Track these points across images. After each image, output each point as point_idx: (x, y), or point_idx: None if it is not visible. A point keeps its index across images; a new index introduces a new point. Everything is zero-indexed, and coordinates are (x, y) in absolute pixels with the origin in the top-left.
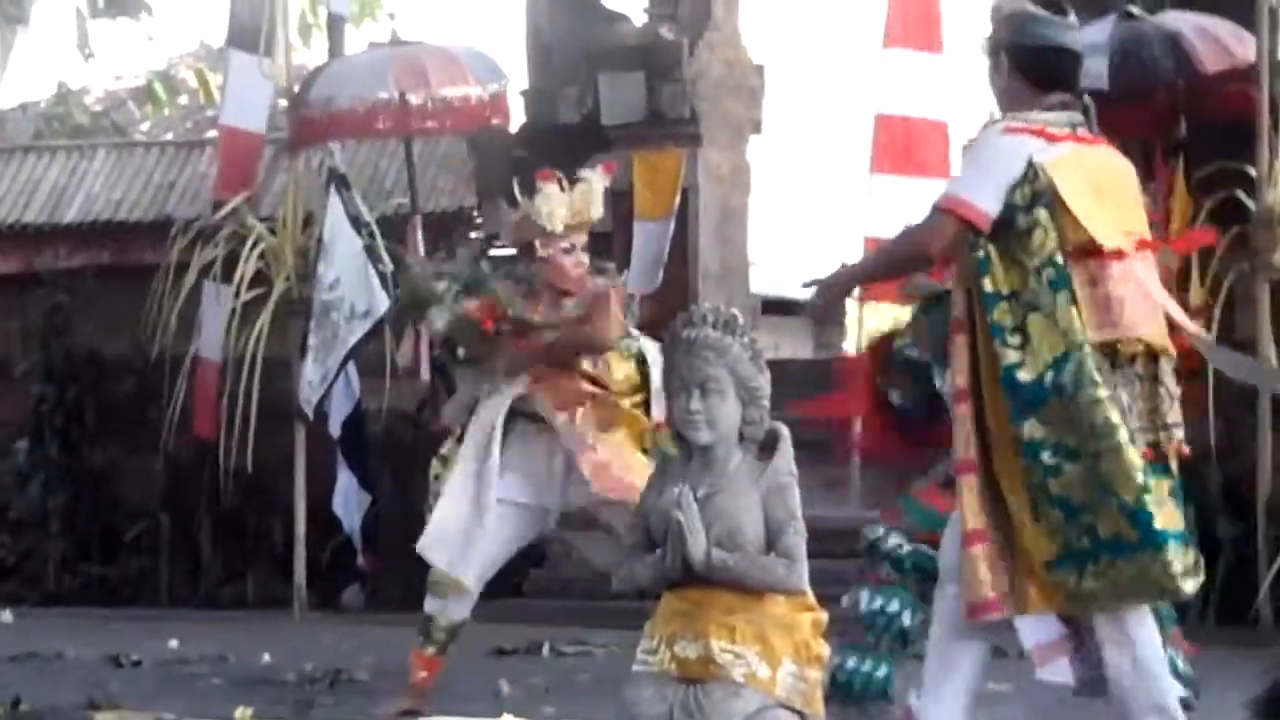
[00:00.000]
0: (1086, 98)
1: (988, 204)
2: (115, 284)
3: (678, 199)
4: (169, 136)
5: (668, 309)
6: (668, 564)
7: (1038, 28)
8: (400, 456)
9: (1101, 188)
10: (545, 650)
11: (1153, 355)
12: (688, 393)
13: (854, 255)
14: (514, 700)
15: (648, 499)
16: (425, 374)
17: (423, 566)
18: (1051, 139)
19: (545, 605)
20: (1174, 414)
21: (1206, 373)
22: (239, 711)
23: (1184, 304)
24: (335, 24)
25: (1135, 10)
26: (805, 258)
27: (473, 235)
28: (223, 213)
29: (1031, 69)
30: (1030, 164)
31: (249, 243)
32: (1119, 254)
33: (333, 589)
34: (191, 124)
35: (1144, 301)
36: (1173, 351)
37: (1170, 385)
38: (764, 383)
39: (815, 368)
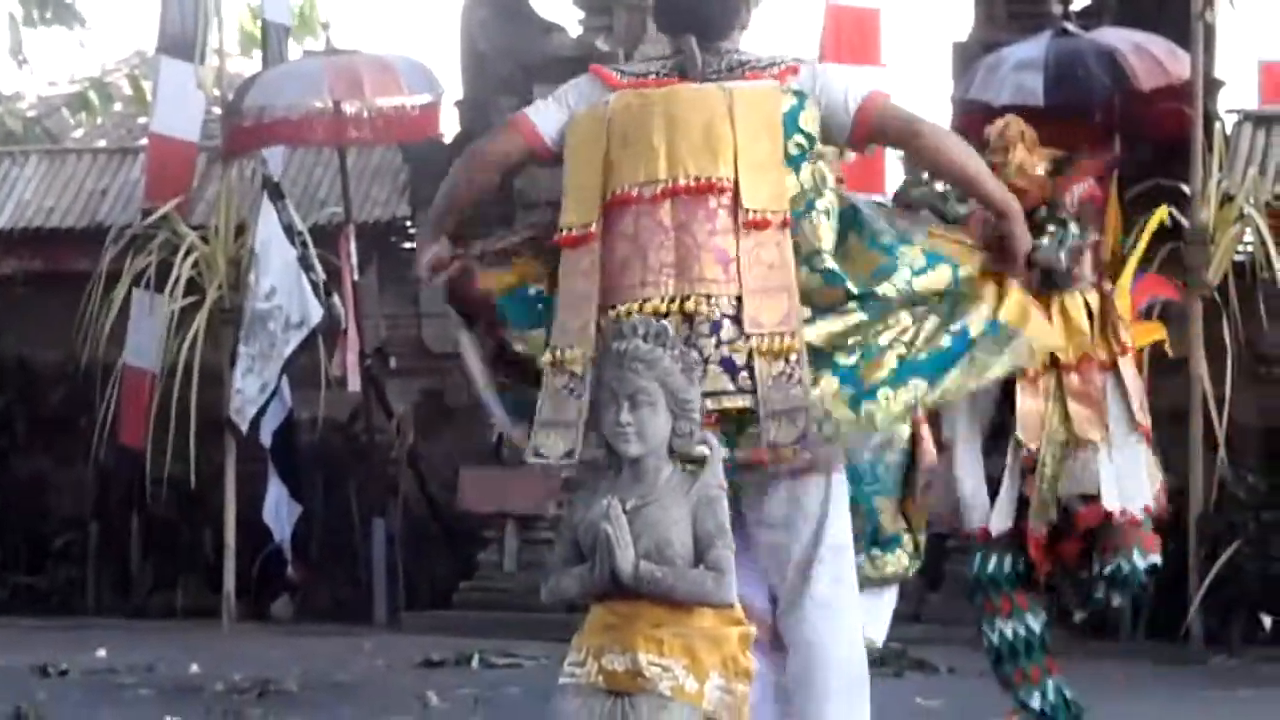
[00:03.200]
0: (691, 40)
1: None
2: (46, 291)
3: None
4: (102, 143)
5: None
6: (596, 576)
7: None
8: (332, 467)
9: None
10: (475, 662)
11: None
12: (618, 405)
13: None
14: (443, 712)
15: (576, 511)
16: (356, 384)
17: (351, 578)
18: (609, 83)
19: (475, 617)
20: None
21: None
22: None
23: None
24: (274, 32)
25: (1071, 27)
26: None
27: (405, 245)
28: (153, 219)
29: (662, 12)
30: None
31: (181, 251)
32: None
33: (262, 599)
34: (125, 131)
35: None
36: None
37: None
38: (695, 395)
39: None
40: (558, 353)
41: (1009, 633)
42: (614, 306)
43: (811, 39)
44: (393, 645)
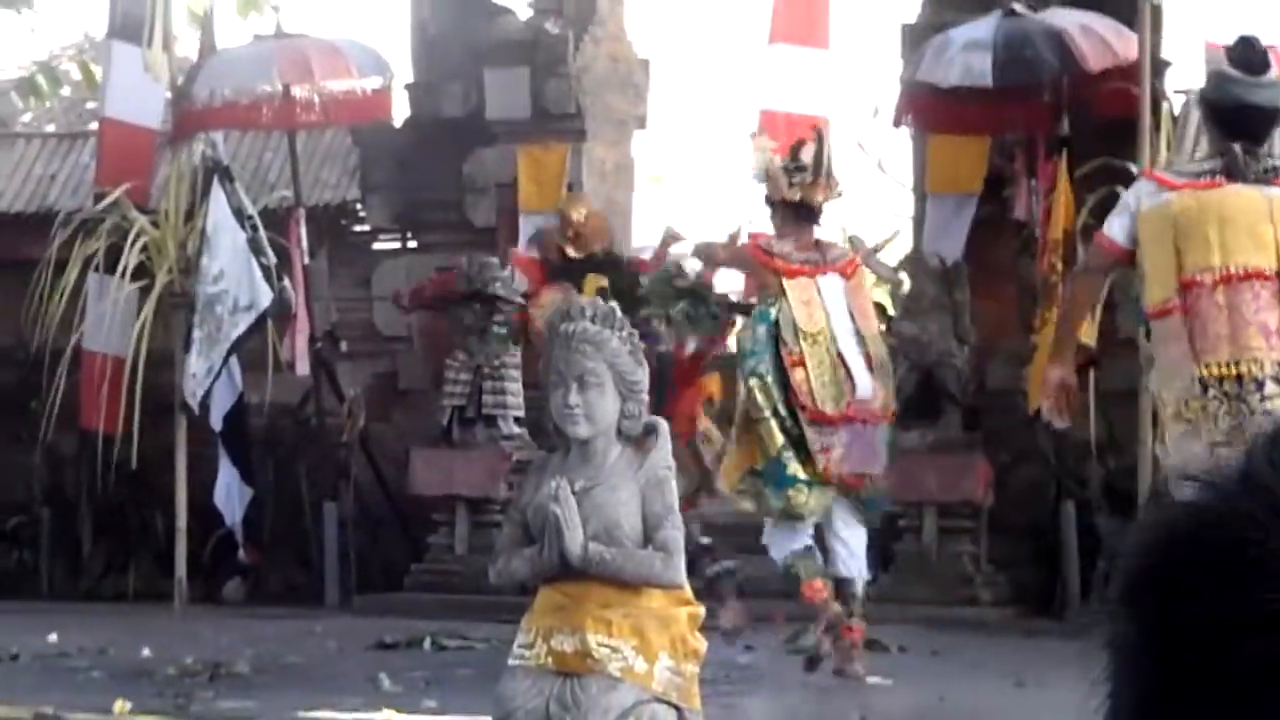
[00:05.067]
0: (1236, 146)
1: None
2: None
3: (563, 193)
4: (51, 128)
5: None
6: (545, 558)
7: (1228, 86)
8: (283, 450)
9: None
10: (426, 644)
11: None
12: (566, 386)
13: None
14: (395, 693)
15: (525, 493)
16: (304, 369)
17: (303, 561)
18: (1167, 185)
19: (425, 599)
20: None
21: (1088, 372)
22: (118, 704)
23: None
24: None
25: (1019, 8)
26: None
27: (356, 229)
28: (103, 205)
29: (1218, 122)
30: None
31: (131, 236)
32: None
33: (214, 582)
34: (75, 116)
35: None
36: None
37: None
38: (643, 376)
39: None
40: (1181, 406)
41: None
42: (1196, 366)
43: (761, 21)
44: (344, 628)
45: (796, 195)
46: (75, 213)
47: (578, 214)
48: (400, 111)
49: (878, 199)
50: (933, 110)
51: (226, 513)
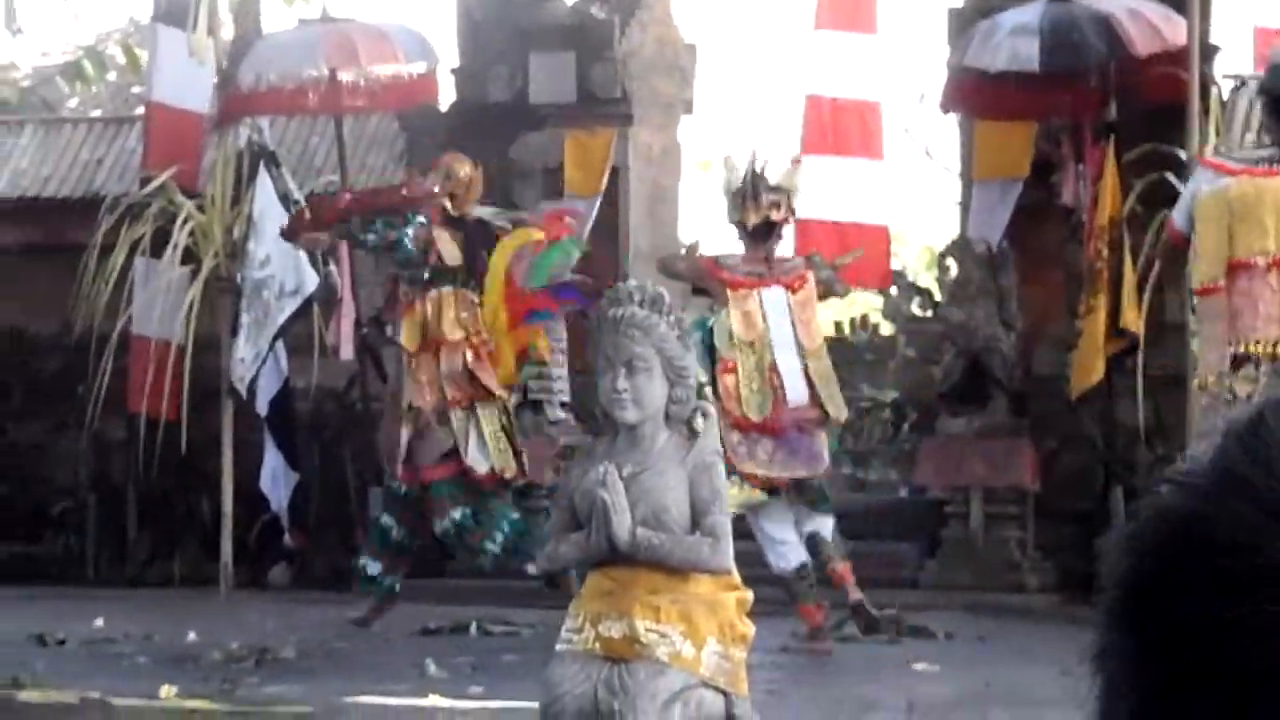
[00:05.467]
0: None
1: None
2: (42, 261)
3: (606, 178)
4: (97, 113)
5: (597, 288)
6: (593, 543)
7: None
8: (328, 435)
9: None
10: (471, 630)
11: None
12: (614, 371)
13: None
14: (440, 679)
15: (574, 478)
16: (349, 353)
17: (348, 546)
18: (1225, 170)
19: (470, 585)
20: None
21: (1134, 356)
22: (164, 690)
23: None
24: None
25: None
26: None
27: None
28: (150, 189)
29: (1277, 112)
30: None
31: (178, 220)
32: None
33: (260, 567)
34: (121, 100)
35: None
36: None
37: None
38: (691, 362)
39: None
40: (1207, 379)
41: None
42: (1230, 344)
43: (808, 6)
44: (390, 614)
45: (751, 218)
46: (122, 197)
47: (463, 171)
48: (446, 96)
49: (924, 184)
50: (979, 95)
51: (272, 498)
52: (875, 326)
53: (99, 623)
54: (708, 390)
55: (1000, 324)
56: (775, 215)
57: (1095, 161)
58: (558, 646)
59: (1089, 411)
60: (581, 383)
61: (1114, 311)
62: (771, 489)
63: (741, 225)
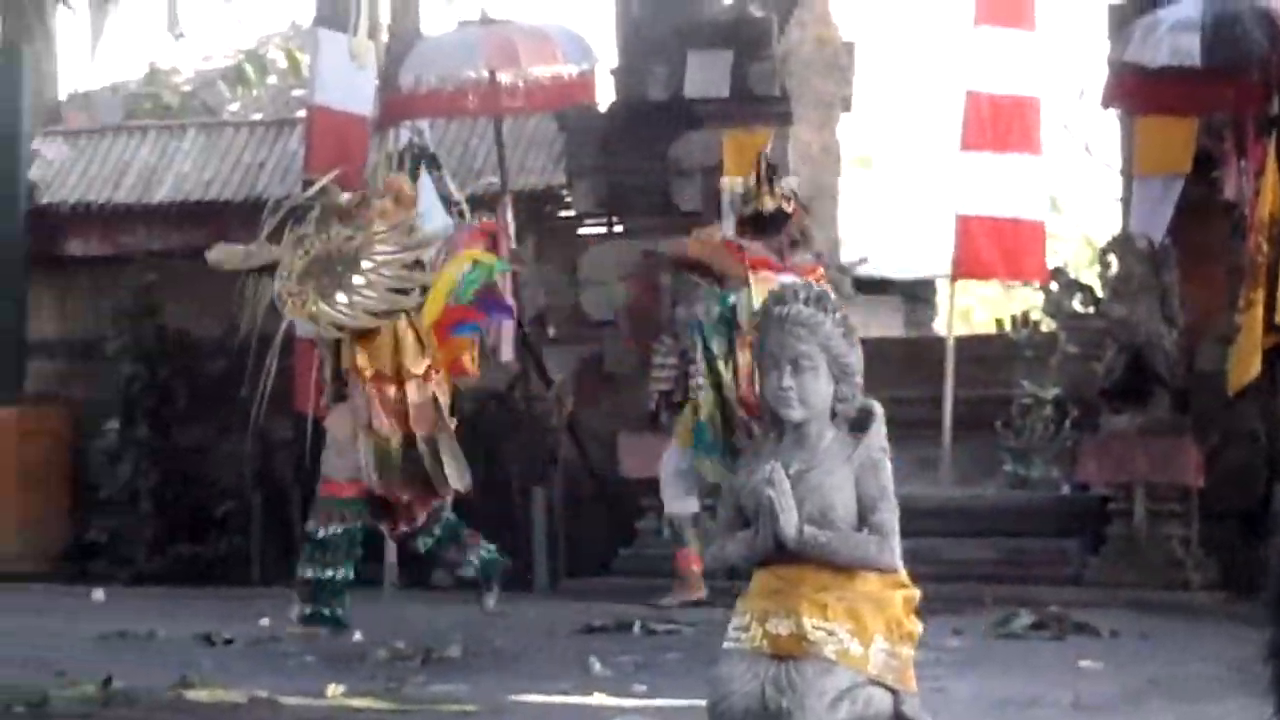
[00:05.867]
0: None
1: None
2: (206, 265)
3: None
4: (258, 116)
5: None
6: (760, 541)
7: None
8: (491, 436)
9: None
10: (635, 628)
11: None
12: (779, 369)
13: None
14: (605, 677)
15: (740, 476)
16: (510, 354)
17: (512, 545)
18: None
19: (634, 583)
20: None
21: None
22: (330, 689)
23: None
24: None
25: None
26: (896, 235)
27: (562, 214)
28: (312, 191)
29: None
30: None
31: None
32: None
33: (423, 567)
34: (282, 103)
35: None
36: None
37: None
38: (856, 359)
39: (906, 346)
40: None
41: None
42: None
43: (966, 3)
44: (553, 612)
45: (750, 210)
46: (284, 199)
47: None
48: (605, 96)
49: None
50: (1140, 91)
51: None
52: (1036, 323)
53: (264, 622)
54: (722, 365)
55: (1163, 320)
56: (787, 206)
57: (1257, 156)
58: (724, 644)
59: (1251, 407)
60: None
61: (1272, 306)
62: None
63: (755, 216)
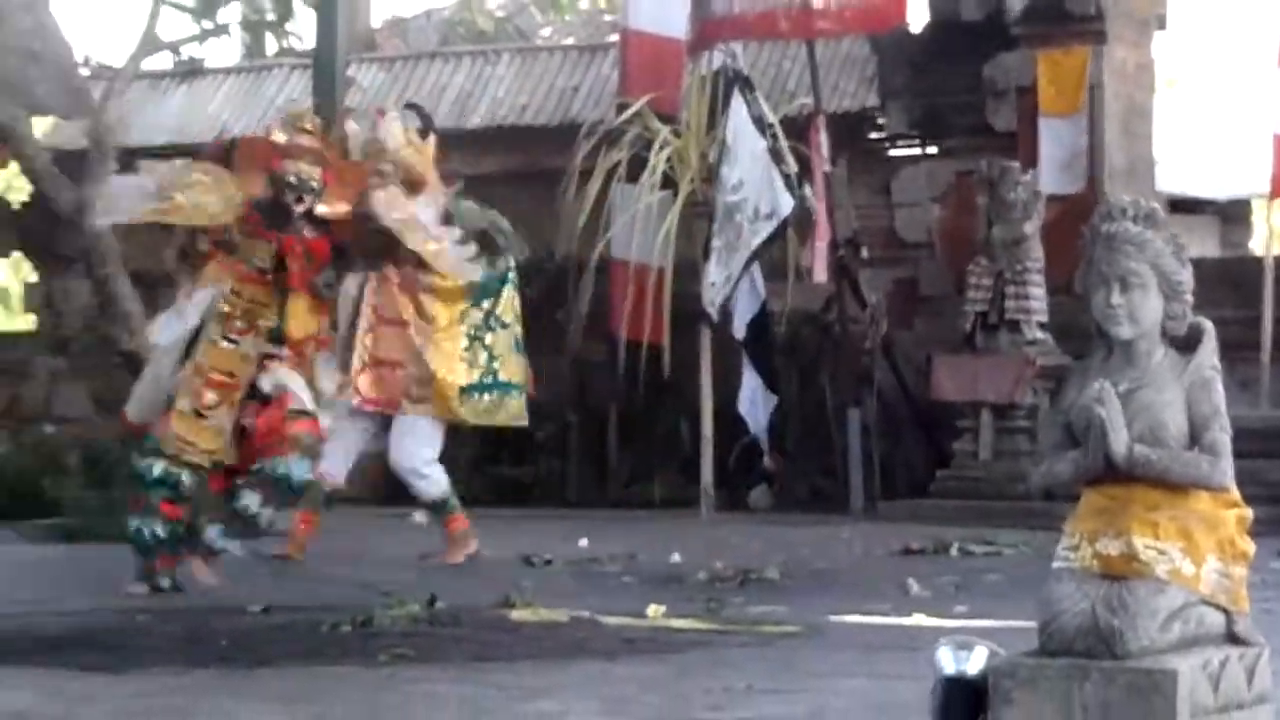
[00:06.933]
0: None
1: None
2: (521, 187)
3: (1085, 96)
4: (570, 41)
5: (1077, 205)
6: (1089, 460)
7: None
8: (805, 358)
9: None
10: (953, 550)
11: None
12: (1108, 287)
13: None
14: (924, 598)
15: (1067, 395)
16: (824, 275)
17: (827, 468)
18: None
19: (950, 505)
20: None
21: None
22: (651, 609)
23: None
24: None
25: None
26: (1210, 155)
27: (874, 136)
28: (625, 115)
29: None
30: None
31: (656, 145)
32: None
33: (740, 490)
34: (594, 28)
35: None
36: None
37: None
38: (1187, 277)
39: (1223, 266)
40: None
41: None
42: None
43: None
44: (870, 534)
45: None
46: (598, 124)
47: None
48: (918, 17)
49: None
50: None
51: (751, 421)
52: None
53: (583, 543)
54: None
55: None
56: None
57: None
58: (1054, 564)
59: None
60: (1058, 302)
61: None
62: None
63: None
